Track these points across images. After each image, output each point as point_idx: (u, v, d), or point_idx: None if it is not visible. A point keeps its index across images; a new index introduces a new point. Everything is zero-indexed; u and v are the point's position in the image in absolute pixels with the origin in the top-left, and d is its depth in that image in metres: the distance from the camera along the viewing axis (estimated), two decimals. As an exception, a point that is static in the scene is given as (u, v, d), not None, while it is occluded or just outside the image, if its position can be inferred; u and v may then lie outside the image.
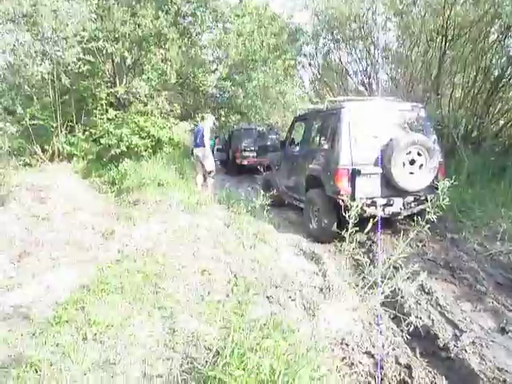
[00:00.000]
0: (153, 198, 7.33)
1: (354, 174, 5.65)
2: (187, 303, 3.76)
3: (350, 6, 13.21)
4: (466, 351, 3.26)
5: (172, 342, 3.13)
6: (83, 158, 10.26)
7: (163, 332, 3.29)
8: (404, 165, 5.72)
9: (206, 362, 2.65)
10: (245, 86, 11.79)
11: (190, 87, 11.94)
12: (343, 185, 5.69)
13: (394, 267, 2.78)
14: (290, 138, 8.30)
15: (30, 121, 9.23)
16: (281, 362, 2.33)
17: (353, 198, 5.27)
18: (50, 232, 5.88)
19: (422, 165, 5.79)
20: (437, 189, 2.97)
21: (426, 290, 4.33)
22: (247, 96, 11.98)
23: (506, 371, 3.03)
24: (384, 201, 5.76)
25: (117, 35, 9.57)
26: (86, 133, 10.39)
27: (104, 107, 10.36)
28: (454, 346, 3.33)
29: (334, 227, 5.92)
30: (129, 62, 9.74)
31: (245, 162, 13.47)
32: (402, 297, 3.90)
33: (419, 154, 5.77)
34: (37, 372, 2.68)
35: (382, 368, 2.98)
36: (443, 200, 2.73)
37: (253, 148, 13.63)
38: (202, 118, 11.05)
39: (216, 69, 12.07)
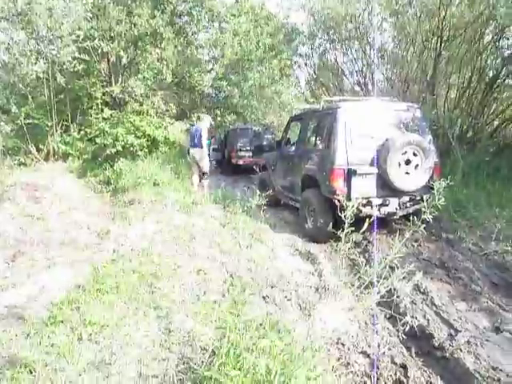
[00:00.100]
0: (148, 198, 7.31)
1: (350, 174, 5.66)
2: (183, 303, 3.75)
3: (346, 7, 13.26)
4: (461, 350, 3.27)
5: (168, 342, 3.12)
6: (78, 158, 10.22)
7: (159, 332, 3.28)
8: (400, 165, 5.73)
9: (202, 362, 2.65)
10: (241, 85, 11.79)
11: (185, 87, 11.93)
12: (339, 185, 5.69)
13: (390, 267, 2.78)
14: (285, 137, 8.30)
15: (24, 120, 9.20)
16: (277, 361, 2.32)
17: (348, 198, 5.28)
18: (45, 232, 5.85)
19: (417, 165, 5.81)
20: (432, 189, 2.98)
21: (422, 290, 4.35)
22: (243, 96, 11.99)
23: (501, 370, 3.04)
24: (380, 201, 5.78)
25: (112, 34, 9.54)
26: (82, 132, 10.37)
27: (99, 106, 10.34)
28: (449, 345, 3.35)
29: (330, 227, 5.90)
30: (124, 61, 9.72)
31: (240, 162, 13.45)
32: (397, 296, 3.90)
33: (415, 154, 5.79)
34: (31, 373, 2.66)
35: (377, 368, 2.99)
36: (439, 200, 2.73)
37: (248, 148, 13.61)
38: (198, 118, 11.04)
39: (212, 68, 12.05)
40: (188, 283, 4.17)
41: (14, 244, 5.32)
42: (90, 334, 3.15)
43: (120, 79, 10.82)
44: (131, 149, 9.85)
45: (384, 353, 3.20)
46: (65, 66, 8.60)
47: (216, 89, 12.59)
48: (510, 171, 8.38)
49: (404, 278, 2.76)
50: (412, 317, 3.64)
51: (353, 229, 2.88)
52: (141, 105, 10.51)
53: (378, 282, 2.67)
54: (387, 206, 5.86)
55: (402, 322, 2.85)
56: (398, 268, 2.76)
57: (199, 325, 3.34)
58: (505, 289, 4.46)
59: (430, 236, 5.99)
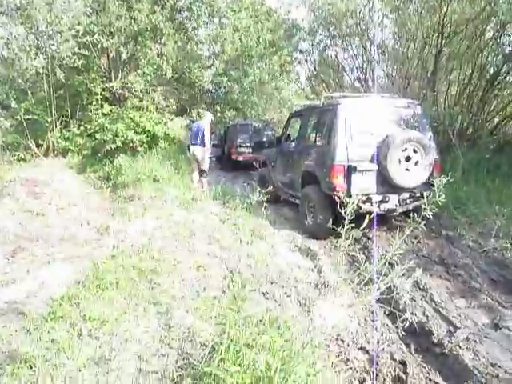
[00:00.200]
0: (148, 194, 7.31)
1: (350, 171, 5.65)
2: (183, 299, 3.76)
3: (347, 3, 13.21)
4: (459, 347, 3.28)
5: (167, 337, 3.13)
6: (78, 153, 10.21)
7: (159, 328, 3.29)
8: (400, 161, 5.73)
9: (202, 358, 2.66)
10: (241, 81, 11.76)
11: (185, 82, 11.90)
12: (339, 181, 5.69)
13: (390, 264, 2.78)
14: (285, 134, 8.28)
15: (24, 115, 9.18)
16: (276, 358, 2.33)
17: (348, 195, 5.29)
18: (45, 227, 5.86)
19: (417, 161, 5.80)
20: (432, 185, 2.97)
21: (421, 287, 4.35)
22: (243, 92, 11.96)
23: (499, 367, 3.05)
24: (380, 197, 5.78)
25: (112, 29, 9.50)
26: (81, 128, 10.35)
27: (99, 102, 10.31)
28: (449, 341, 3.35)
29: (330, 223, 5.91)
30: (124, 56, 9.70)
31: (240, 158, 13.42)
32: (397, 293, 3.91)
33: (415, 151, 5.78)
34: (31, 368, 2.67)
35: (377, 364, 3.00)
36: (439, 197, 2.73)
37: (248, 144, 13.58)
38: (198, 114, 11.03)
39: (212, 64, 12.02)
40: (188, 279, 4.18)
41: (13, 240, 5.33)
42: (90, 330, 3.15)
43: (120, 75, 10.79)
44: (131, 144, 9.85)
45: (383, 349, 3.21)
46: (64, 62, 8.58)
47: (216, 84, 12.57)
48: (510, 168, 8.37)
49: (404, 274, 2.77)
50: (411, 313, 3.65)
51: (353, 225, 2.88)
52: (141, 100, 10.49)
53: (378, 278, 2.67)
54: (387, 202, 5.86)
55: (402, 318, 2.86)
56: (397, 265, 2.76)
57: (199, 321, 3.34)
58: (504, 286, 4.46)
59: (430, 233, 5.99)
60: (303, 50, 16.40)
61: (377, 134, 5.80)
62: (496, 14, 8.85)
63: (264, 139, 13.36)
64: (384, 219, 6.21)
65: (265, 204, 4.25)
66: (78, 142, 10.24)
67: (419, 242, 5.74)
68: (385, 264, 2.69)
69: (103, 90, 10.30)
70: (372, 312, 3.71)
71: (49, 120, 9.86)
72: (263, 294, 4.01)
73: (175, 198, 7.18)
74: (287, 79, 13.80)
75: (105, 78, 10.68)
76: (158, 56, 10.25)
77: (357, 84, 15.26)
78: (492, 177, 8.05)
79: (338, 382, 2.69)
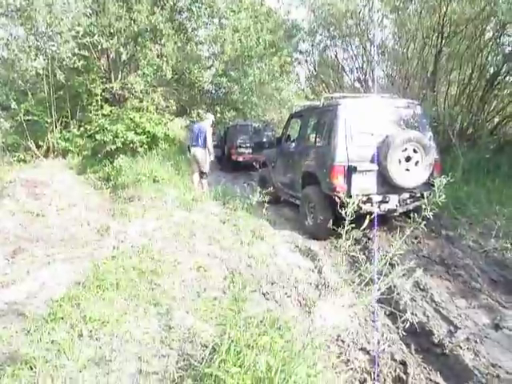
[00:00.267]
0: (148, 195, 7.31)
1: (350, 171, 5.65)
2: (183, 300, 3.76)
3: (347, 3, 13.22)
4: (460, 347, 3.28)
5: (168, 338, 3.13)
6: (78, 154, 10.21)
7: (159, 329, 3.29)
8: (400, 162, 5.73)
9: (203, 358, 2.65)
10: (241, 82, 11.75)
11: (185, 83, 11.88)
12: (339, 182, 5.69)
13: (390, 264, 2.78)
14: (285, 134, 8.28)
15: (24, 116, 9.18)
16: (277, 358, 2.33)
17: (349, 195, 5.29)
18: (45, 228, 5.86)
19: (417, 162, 5.80)
20: (432, 186, 2.97)
21: (422, 287, 4.35)
22: (243, 92, 11.94)
23: (500, 367, 3.05)
24: (380, 198, 5.78)
25: (112, 30, 9.49)
26: (81, 129, 10.34)
27: (99, 103, 10.30)
28: (449, 342, 3.35)
29: (330, 224, 5.92)
30: (124, 57, 9.68)
31: (240, 159, 13.42)
32: (397, 293, 3.92)
33: (415, 151, 5.78)
34: (32, 369, 2.67)
35: (377, 364, 2.99)
36: (439, 197, 2.73)
37: (248, 144, 13.58)
38: (198, 115, 11.02)
39: (212, 65, 12.00)
40: (188, 280, 4.18)
41: (14, 240, 5.33)
42: (91, 331, 3.15)
43: (120, 75, 10.78)
44: (131, 145, 9.83)
45: (384, 349, 3.21)
46: (64, 63, 8.58)
47: (216, 85, 12.54)
48: (510, 168, 8.37)
49: (404, 274, 2.77)
50: (412, 314, 3.64)
51: (353, 226, 2.88)
52: (140, 101, 10.47)
53: (378, 278, 2.67)
54: (387, 202, 5.86)
55: (402, 318, 2.86)
56: (398, 265, 2.77)
57: (199, 321, 3.34)
58: (504, 286, 4.46)
59: (430, 233, 5.99)
60: (303, 50, 16.42)
61: (377, 134, 5.80)
62: (496, 14, 8.85)
63: (264, 140, 13.37)
64: (384, 219, 6.21)
65: (265, 205, 4.25)
66: (78, 142, 10.24)
67: (419, 242, 5.74)
68: (385, 264, 2.69)
69: (103, 90, 10.29)
70: (372, 312, 3.71)
71: (49, 121, 9.86)
72: (264, 294, 4.01)
73: (175, 198, 7.18)
74: (287, 80, 13.76)
75: (105, 79, 10.67)
76: (157, 57, 10.24)
77: (357, 84, 15.27)
78: (492, 177, 8.05)
79: (339, 382, 2.69)
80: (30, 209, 6.32)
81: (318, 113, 6.85)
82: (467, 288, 4.43)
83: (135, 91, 10.02)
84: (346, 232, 2.87)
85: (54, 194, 7.05)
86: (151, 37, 10.30)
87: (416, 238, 5.80)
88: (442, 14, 10.22)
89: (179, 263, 4.56)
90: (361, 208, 5.36)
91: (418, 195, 5.86)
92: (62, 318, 3.29)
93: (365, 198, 5.62)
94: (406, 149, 5.73)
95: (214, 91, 13.35)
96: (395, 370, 2.99)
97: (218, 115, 13.59)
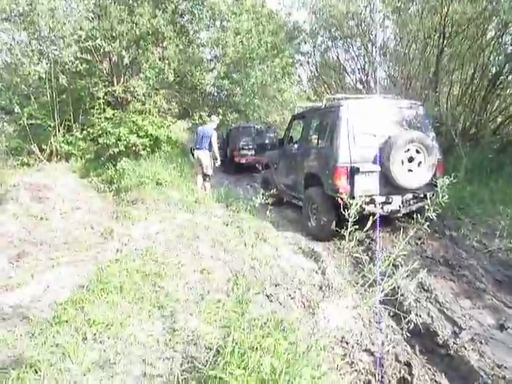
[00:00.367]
0: (151, 197, 7.33)
1: (353, 172, 5.65)
2: (187, 302, 3.76)
3: (348, 4, 13.19)
4: (465, 348, 3.27)
5: (172, 341, 3.13)
6: (81, 158, 10.26)
7: (163, 331, 3.29)
8: (403, 162, 5.72)
9: (207, 361, 2.65)
10: (243, 84, 11.76)
11: (187, 86, 11.91)
12: (342, 183, 5.68)
13: (394, 265, 2.77)
14: (288, 136, 8.28)
15: (27, 120, 9.23)
16: (281, 360, 2.33)
17: (351, 196, 5.28)
18: (49, 231, 5.88)
19: (420, 162, 5.79)
20: (435, 186, 2.96)
21: (426, 288, 4.34)
22: (245, 94, 11.95)
23: (506, 368, 3.04)
24: (383, 198, 5.77)
25: (114, 34, 9.53)
26: (84, 132, 10.40)
27: (102, 106, 10.35)
28: (454, 343, 3.34)
29: (333, 225, 5.92)
30: (126, 60, 9.71)
31: (243, 161, 13.43)
32: (401, 294, 3.90)
33: (418, 152, 5.77)
34: (37, 372, 2.67)
35: (382, 366, 2.98)
36: (442, 197, 2.72)
37: (251, 146, 13.59)
38: (200, 117, 11.03)
39: (214, 67, 12.02)
40: (192, 282, 4.18)
41: (18, 244, 5.35)
42: (95, 334, 3.16)
43: (122, 79, 10.83)
44: (134, 148, 9.87)
45: (388, 351, 3.20)
46: (67, 66, 8.63)
47: (218, 87, 12.56)
48: (513, 168, 8.34)
49: (408, 275, 2.75)
50: (416, 315, 3.64)
51: (356, 227, 2.87)
52: (143, 104, 10.51)
53: (382, 280, 2.67)
54: (390, 203, 5.85)
55: (406, 319, 2.85)
56: (401, 266, 2.75)
57: (203, 324, 3.34)
58: (509, 286, 4.44)
59: (434, 234, 5.98)
60: (305, 52, 16.39)
61: (379, 135, 5.80)
62: (497, 14, 8.83)
63: (266, 141, 13.36)
64: (387, 220, 6.20)
65: (268, 206, 4.26)
66: (80, 146, 10.29)
67: (423, 242, 5.73)
68: (389, 265, 2.69)
69: (105, 94, 10.34)
70: (376, 314, 3.70)
71: (52, 124, 9.91)
72: (267, 296, 4.00)
73: (178, 201, 7.19)
74: (289, 81, 13.77)
75: (107, 83, 10.72)
76: (159, 60, 10.28)
77: (359, 85, 15.24)
78: (495, 177, 8.03)
79: (343, 384, 2.68)
80: (33, 212, 6.34)
81: (321, 114, 6.85)
82: (472, 288, 4.41)
83: (137, 94, 10.06)
84: (349, 233, 2.86)
85: (57, 198, 7.08)
86: (153, 40, 10.35)
87: (419, 239, 5.79)
88: (444, 14, 10.20)
89: (183, 265, 4.56)
90: (364, 209, 5.34)
91: (421, 196, 5.85)
92: (67, 322, 3.30)
93: (368, 199, 5.61)
94: (408, 149, 5.72)
95: (216, 93, 13.38)
96: (400, 372, 2.99)
97: (221, 117, 13.63)
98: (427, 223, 2.83)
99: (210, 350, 2.80)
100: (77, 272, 4.44)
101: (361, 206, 4.01)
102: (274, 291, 4.10)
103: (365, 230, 2.93)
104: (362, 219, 2.96)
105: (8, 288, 4.12)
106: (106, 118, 10.17)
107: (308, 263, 5.17)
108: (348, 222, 2.87)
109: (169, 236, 5.52)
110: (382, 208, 5.73)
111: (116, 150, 9.66)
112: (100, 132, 9.97)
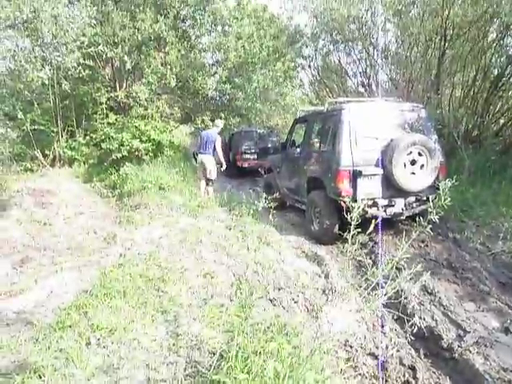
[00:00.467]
0: (154, 202, 7.34)
1: (356, 175, 5.65)
2: (190, 307, 3.75)
3: (349, 7, 13.22)
4: (469, 351, 3.25)
5: (176, 345, 3.13)
6: (84, 163, 10.31)
7: (167, 336, 3.29)
8: (405, 165, 5.71)
9: (210, 365, 2.65)
10: (245, 88, 11.79)
11: (189, 90, 11.95)
12: (344, 186, 5.68)
13: (397, 268, 2.77)
14: (290, 139, 8.29)
15: (30, 126, 9.29)
16: (285, 364, 2.32)
17: (354, 199, 5.28)
18: (52, 237, 5.90)
19: (423, 165, 5.79)
20: (438, 189, 2.96)
21: (429, 291, 4.33)
22: (247, 98, 11.98)
23: (511, 371, 3.02)
24: (385, 201, 5.76)
25: (116, 40, 9.60)
26: (87, 137, 10.45)
27: (104, 112, 10.40)
28: (458, 346, 3.33)
29: (336, 229, 5.91)
30: (128, 66, 9.76)
31: (245, 165, 13.43)
32: (405, 298, 3.90)
33: (420, 154, 5.77)
34: (41, 378, 2.67)
35: (386, 369, 2.97)
36: (445, 200, 2.72)
37: (253, 150, 13.59)
38: (203, 121, 11.06)
39: (215, 72, 12.07)
40: (195, 287, 4.18)
41: (21, 249, 5.37)
42: (98, 339, 3.16)
43: (124, 84, 10.90)
44: (136, 153, 9.92)
45: (392, 354, 3.19)
46: (70, 72, 8.68)
47: (220, 92, 12.60)
48: (516, 170, 8.32)
49: (411, 278, 2.75)
50: (420, 318, 3.63)
51: (359, 230, 2.87)
52: (145, 109, 10.56)
53: (385, 283, 2.66)
54: (393, 206, 5.84)
55: (410, 323, 2.84)
56: (405, 269, 2.75)
57: (207, 328, 3.34)
58: (513, 288, 4.43)
59: (437, 236, 5.96)
60: (306, 55, 16.41)
61: (381, 138, 5.80)
62: (499, 16, 8.84)
63: (269, 145, 13.37)
64: (390, 223, 6.19)
65: (271, 210, 4.26)
66: (83, 151, 10.34)
67: (426, 245, 5.71)
68: (392, 268, 2.68)
69: (108, 99, 10.39)
70: (380, 317, 3.69)
71: (55, 130, 9.97)
72: (271, 300, 4.00)
73: (181, 205, 7.20)
74: (291, 85, 13.82)
75: (109, 88, 10.78)
76: (161, 65, 10.33)
77: (360, 88, 15.24)
78: (498, 178, 8.01)
79: (348, 388, 2.67)
80: (37, 218, 6.37)
81: (323, 118, 6.86)
82: (475, 291, 4.40)
83: (140, 99, 10.10)
84: (352, 236, 2.86)
85: (60, 203, 7.11)
86: (155, 45, 10.41)
87: (423, 242, 5.77)
88: (445, 16, 10.20)
89: (186, 270, 4.56)
90: (366, 212, 5.35)
91: (424, 198, 5.84)
92: (70, 327, 3.31)
93: (370, 202, 5.61)
94: (411, 152, 5.71)
95: (218, 98, 13.41)
96: (404, 375, 2.98)
97: (223, 121, 13.66)
98: (430, 226, 2.82)
99: (214, 354, 2.80)
100: (80, 277, 4.46)
101: (363, 209, 4.03)
102: (278, 295, 4.09)
103: (368, 233, 2.92)
104: (364, 222, 2.95)
105: (12, 293, 4.13)
106: (108, 124, 10.23)
107: (311, 267, 5.16)
108: (351, 225, 2.87)
109: (172, 240, 5.52)
110: (384, 211, 5.73)
111: (119, 155, 9.70)
112: (103, 137, 10.02)
